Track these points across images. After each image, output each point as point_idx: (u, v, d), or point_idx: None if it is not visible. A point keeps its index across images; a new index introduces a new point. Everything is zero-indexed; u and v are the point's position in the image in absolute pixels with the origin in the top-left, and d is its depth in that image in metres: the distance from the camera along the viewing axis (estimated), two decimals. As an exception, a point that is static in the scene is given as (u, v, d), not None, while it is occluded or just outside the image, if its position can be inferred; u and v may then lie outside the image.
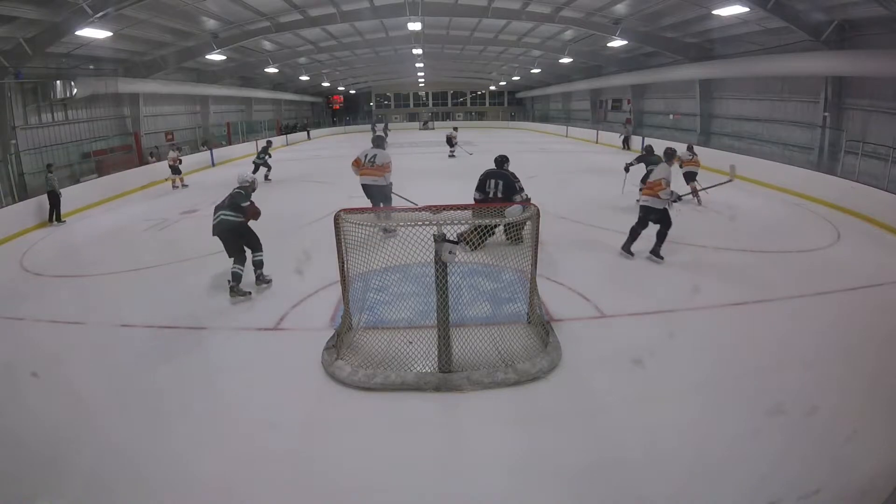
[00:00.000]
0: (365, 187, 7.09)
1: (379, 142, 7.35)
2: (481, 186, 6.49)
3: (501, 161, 6.70)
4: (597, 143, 21.91)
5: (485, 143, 21.35)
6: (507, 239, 4.82)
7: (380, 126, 29.26)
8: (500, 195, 6.31)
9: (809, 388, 3.39)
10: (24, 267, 6.71)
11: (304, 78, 25.96)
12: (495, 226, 4.81)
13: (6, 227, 8.33)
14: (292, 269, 5.69)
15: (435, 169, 14.66)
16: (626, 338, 4.19)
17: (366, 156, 7.02)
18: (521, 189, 6.42)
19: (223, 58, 16.58)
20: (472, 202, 6.32)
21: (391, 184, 7.22)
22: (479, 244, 5.80)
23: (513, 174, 6.51)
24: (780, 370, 3.64)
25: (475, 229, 5.52)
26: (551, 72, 25.58)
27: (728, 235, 7.27)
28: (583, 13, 14.08)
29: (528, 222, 4.04)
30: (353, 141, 23.63)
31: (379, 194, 7.09)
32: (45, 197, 9.26)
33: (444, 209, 3.91)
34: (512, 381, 3.48)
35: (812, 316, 4.61)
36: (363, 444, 2.94)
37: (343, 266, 3.80)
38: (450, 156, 17.49)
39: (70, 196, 10.11)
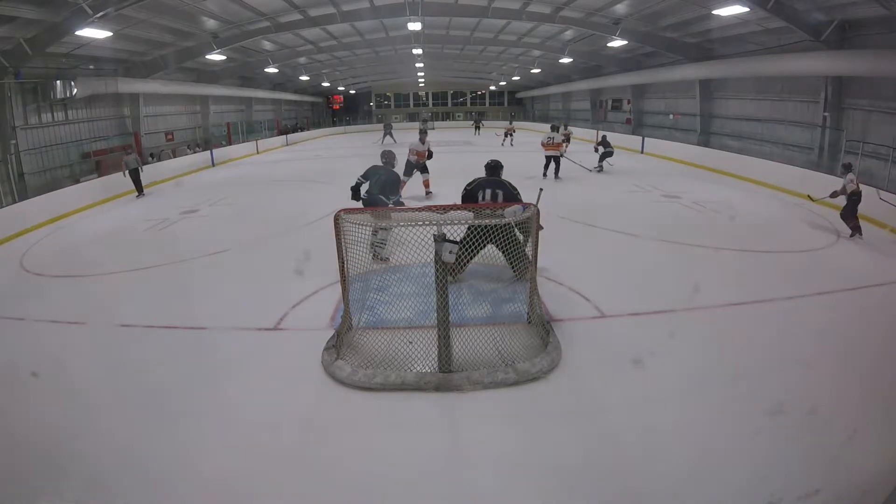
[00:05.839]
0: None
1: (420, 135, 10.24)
2: (471, 198, 5.14)
3: (495, 167, 5.39)
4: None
5: (486, 141, 21.31)
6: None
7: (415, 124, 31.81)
8: None
9: (809, 388, 3.40)
10: (24, 267, 6.71)
11: (304, 78, 25.92)
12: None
13: (7, 226, 8.34)
14: (292, 269, 5.69)
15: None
16: (626, 338, 4.19)
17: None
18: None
19: (223, 58, 16.56)
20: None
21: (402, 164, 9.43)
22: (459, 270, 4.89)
23: (510, 184, 5.22)
24: (780, 370, 3.63)
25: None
26: (551, 72, 25.55)
27: (728, 235, 7.27)
28: (583, 13, 14.07)
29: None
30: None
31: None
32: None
33: (449, 209, 3.90)
34: (512, 380, 3.47)
35: (812, 316, 4.61)
36: (363, 444, 2.95)
37: (343, 266, 3.80)
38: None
39: (70, 196, 10.34)
